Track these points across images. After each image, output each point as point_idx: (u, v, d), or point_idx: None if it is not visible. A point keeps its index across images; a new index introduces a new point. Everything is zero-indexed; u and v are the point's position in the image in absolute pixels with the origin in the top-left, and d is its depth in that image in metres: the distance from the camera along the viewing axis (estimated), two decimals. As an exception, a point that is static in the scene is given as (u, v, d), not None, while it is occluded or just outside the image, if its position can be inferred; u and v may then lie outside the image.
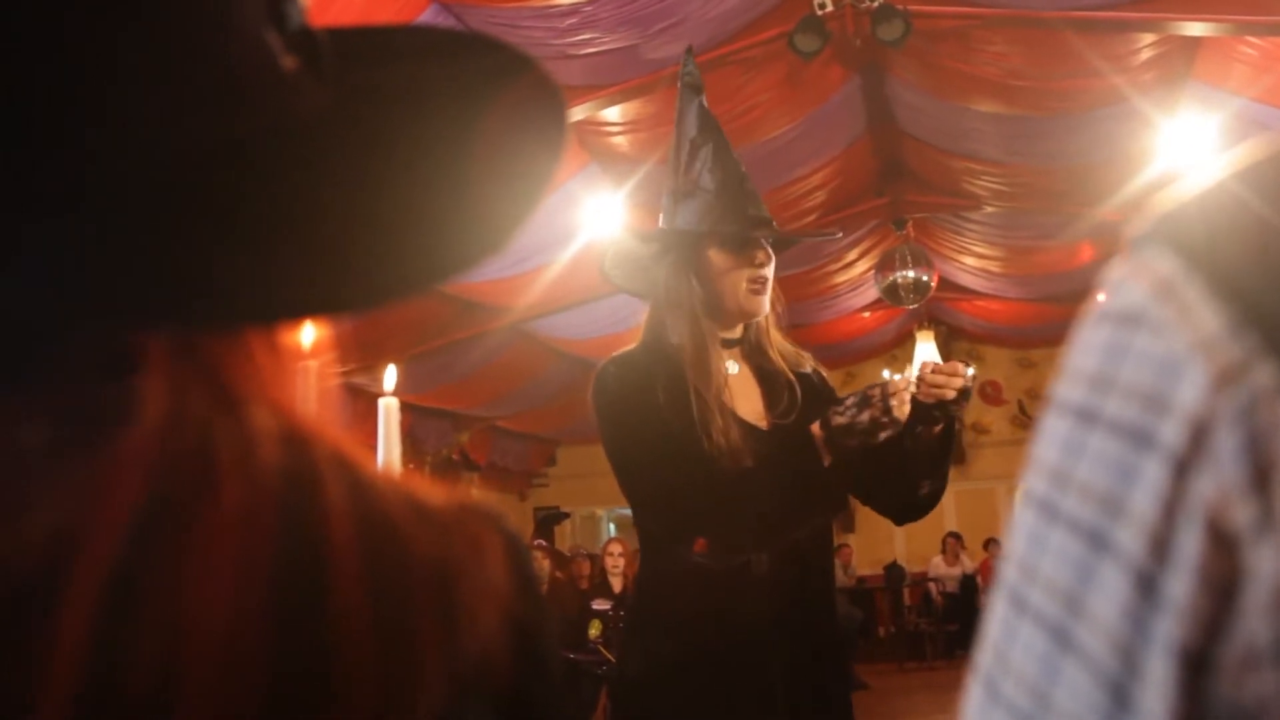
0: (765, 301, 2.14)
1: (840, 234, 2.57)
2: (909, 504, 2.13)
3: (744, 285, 2.11)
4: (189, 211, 0.41)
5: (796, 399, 2.13)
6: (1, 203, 0.38)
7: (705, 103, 2.24)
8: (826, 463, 2.00)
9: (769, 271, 2.13)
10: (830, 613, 2.14)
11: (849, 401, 1.98)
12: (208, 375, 0.44)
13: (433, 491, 0.49)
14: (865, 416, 1.94)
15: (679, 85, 2.29)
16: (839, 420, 1.96)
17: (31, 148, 0.38)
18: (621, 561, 8.25)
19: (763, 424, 2.11)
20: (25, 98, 0.38)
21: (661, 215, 2.22)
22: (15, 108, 0.38)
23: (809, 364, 2.26)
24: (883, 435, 1.94)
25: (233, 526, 0.40)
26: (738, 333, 2.19)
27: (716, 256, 2.12)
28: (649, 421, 2.00)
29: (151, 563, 0.39)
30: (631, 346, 2.16)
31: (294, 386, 0.47)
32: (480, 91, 0.50)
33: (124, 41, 0.39)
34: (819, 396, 2.19)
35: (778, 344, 2.21)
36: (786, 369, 2.18)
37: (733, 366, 2.16)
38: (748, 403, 2.13)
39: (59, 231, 0.39)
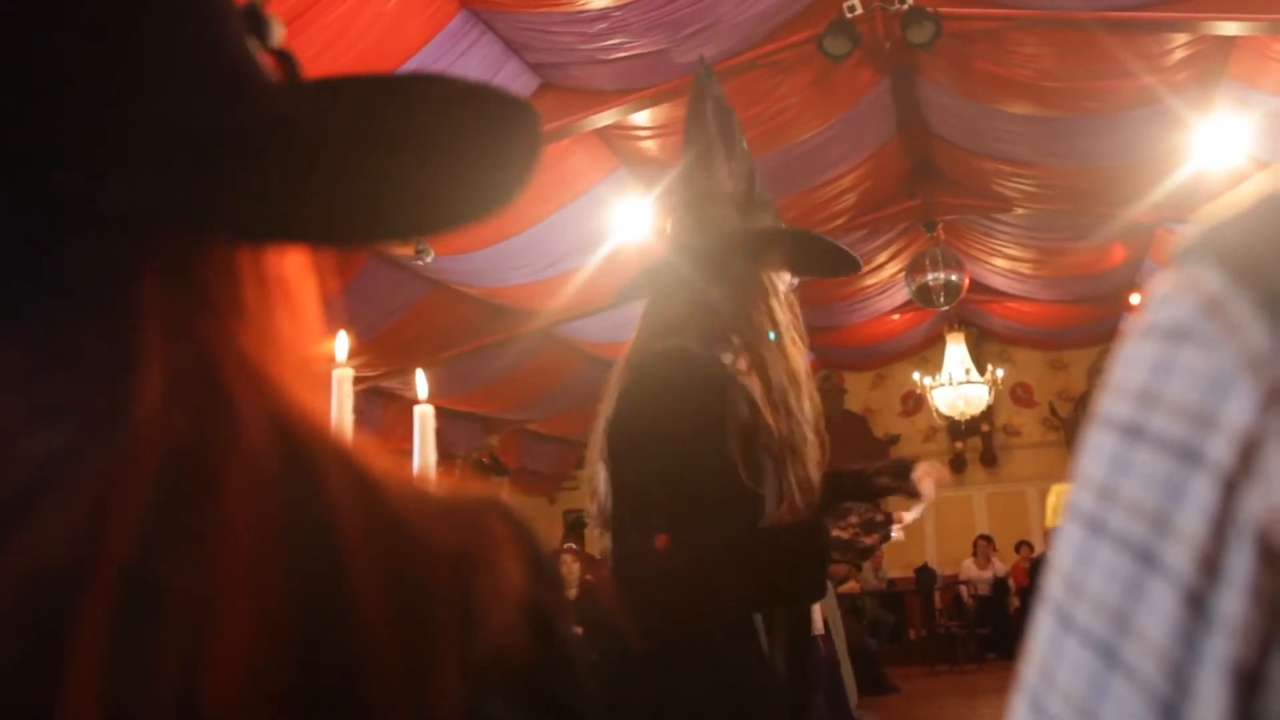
0: None
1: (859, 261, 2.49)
2: None
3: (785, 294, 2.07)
4: (187, 169, 0.43)
5: None
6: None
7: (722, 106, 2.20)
8: None
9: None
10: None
11: (852, 519, 1.89)
12: (199, 359, 0.44)
13: (437, 484, 0.49)
14: (870, 540, 1.88)
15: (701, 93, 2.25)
16: (839, 534, 1.89)
17: (52, 117, 0.42)
18: (576, 568, 8.14)
19: None
20: (45, 72, 0.42)
21: (699, 217, 2.15)
22: (37, 88, 0.41)
23: None
24: (860, 555, 1.91)
25: (240, 527, 0.40)
26: None
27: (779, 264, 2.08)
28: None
29: (167, 567, 0.39)
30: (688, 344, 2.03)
31: (292, 371, 0.48)
32: (449, 97, 0.52)
33: (129, 48, 0.44)
34: None
35: None
36: None
37: None
38: None
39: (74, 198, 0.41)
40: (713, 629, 1.91)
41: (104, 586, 0.37)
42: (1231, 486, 0.37)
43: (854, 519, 1.88)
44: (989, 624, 12.48)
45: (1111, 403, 0.43)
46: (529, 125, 0.52)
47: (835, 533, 1.88)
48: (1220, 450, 0.37)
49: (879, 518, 1.88)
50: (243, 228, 0.45)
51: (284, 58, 0.50)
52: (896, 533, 1.90)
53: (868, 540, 1.86)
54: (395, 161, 0.47)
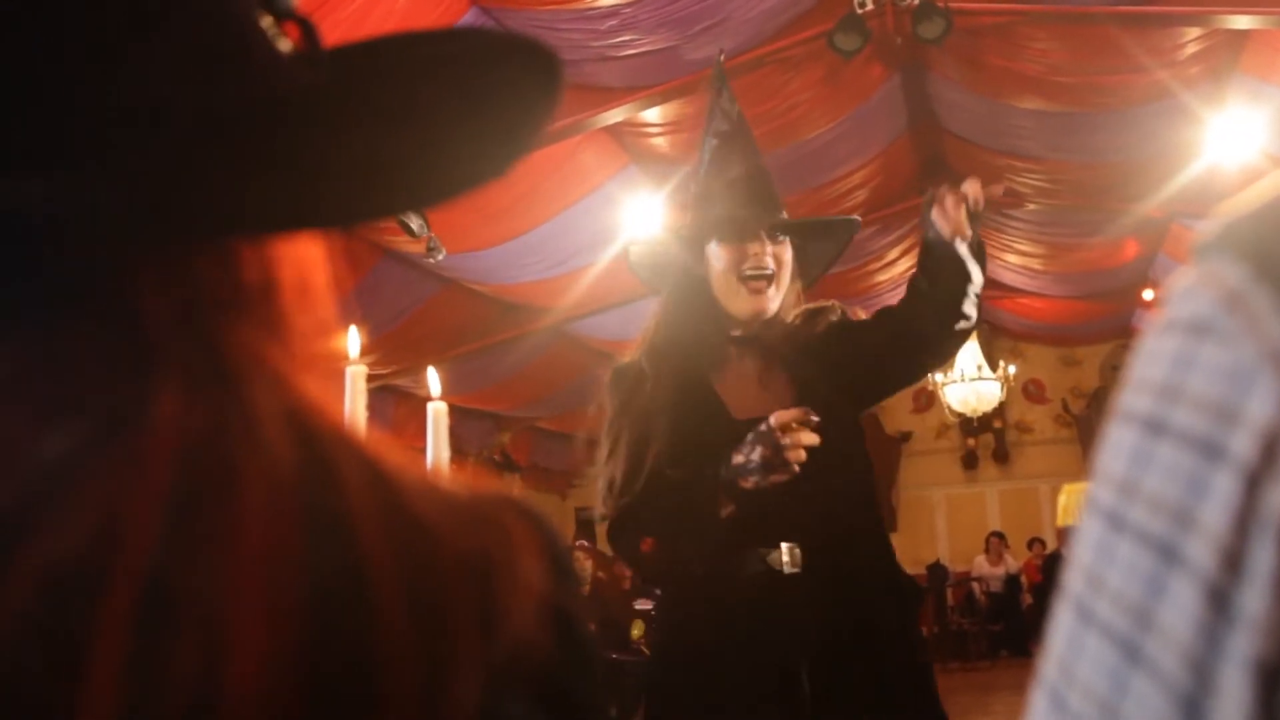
0: (767, 299, 2.08)
1: (859, 219, 2.43)
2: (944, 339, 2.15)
3: (737, 283, 2.07)
4: (192, 156, 0.43)
5: (820, 385, 2.08)
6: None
7: (727, 101, 2.22)
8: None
9: (768, 263, 2.07)
10: (879, 603, 2.07)
11: (749, 437, 1.89)
12: (211, 354, 0.44)
13: (455, 482, 0.49)
14: (757, 455, 1.86)
15: (709, 87, 2.30)
16: (736, 459, 1.89)
17: (63, 100, 0.42)
18: (589, 565, 8.17)
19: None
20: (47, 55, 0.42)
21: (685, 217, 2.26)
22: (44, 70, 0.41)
23: (835, 313, 2.20)
24: (773, 477, 1.86)
25: (257, 526, 0.40)
26: (753, 328, 2.12)
27: (714, 255, 2.09)
28: (625, 436, 2.05)
29: (184, 568, 0.39)
30: (634, 355, 2.16)
31: (304, 365, 0.48)
32: (469, 59, 0.51)
33: (130, 46, 0.43)
34: (851, 338, 2.15)
35: (801, 312, 2.17)
36: (808, 356, 2.12)
37: (745, 365, 2.13)
38: (759, 398, 2.08)
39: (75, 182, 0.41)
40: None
41: (122, 590, 0.37)
42: (1254, 481, 0.37)
43: (748, 438, 1.90)
44: (1001, 621, 12.47)
45: (1132, 397, 0.43)
46: (547, 71, 0.51)
47: (735, 460, 1.90)
48: (1243, 445, 0.37)
49: (763, 428, 1.88)
50: (247, 225, 0.45)
51: (301, 24, 0.50)
52: (791, 443, 1.85)
53: (755, 456, 1.87)
54: (411, 141, 0.47)
